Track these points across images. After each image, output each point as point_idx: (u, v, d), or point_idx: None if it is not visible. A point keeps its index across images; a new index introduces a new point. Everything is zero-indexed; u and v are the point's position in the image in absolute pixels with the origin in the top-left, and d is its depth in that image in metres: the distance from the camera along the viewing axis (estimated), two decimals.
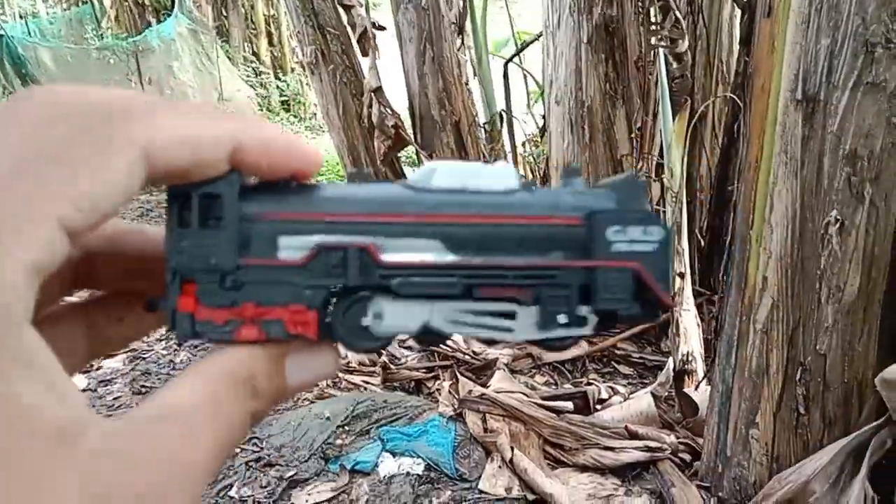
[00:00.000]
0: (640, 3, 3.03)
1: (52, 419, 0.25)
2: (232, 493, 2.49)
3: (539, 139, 6.18)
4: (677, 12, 2.67)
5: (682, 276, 2.81)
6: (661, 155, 3.21)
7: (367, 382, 3.25)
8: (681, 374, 2.82)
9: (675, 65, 2.81)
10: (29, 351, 0.25)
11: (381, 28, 5.74)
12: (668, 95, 2.92)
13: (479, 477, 2.47)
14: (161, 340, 3.67)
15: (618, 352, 3.70)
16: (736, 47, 4.37)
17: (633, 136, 3.25)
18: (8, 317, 0.24)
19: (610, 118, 3.50)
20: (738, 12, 4.37)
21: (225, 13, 11.45)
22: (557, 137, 3.71)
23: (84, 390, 3.47)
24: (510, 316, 0.36)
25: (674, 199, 2.80)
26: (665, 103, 2.94)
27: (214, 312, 0.31)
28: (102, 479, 0.25)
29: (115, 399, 3.26)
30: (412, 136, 5.49)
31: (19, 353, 0.24)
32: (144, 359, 3.52)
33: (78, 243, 0.27)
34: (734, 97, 2.91)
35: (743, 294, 2.14)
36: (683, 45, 2.72)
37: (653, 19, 3.00)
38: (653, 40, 2.81)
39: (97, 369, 3.57)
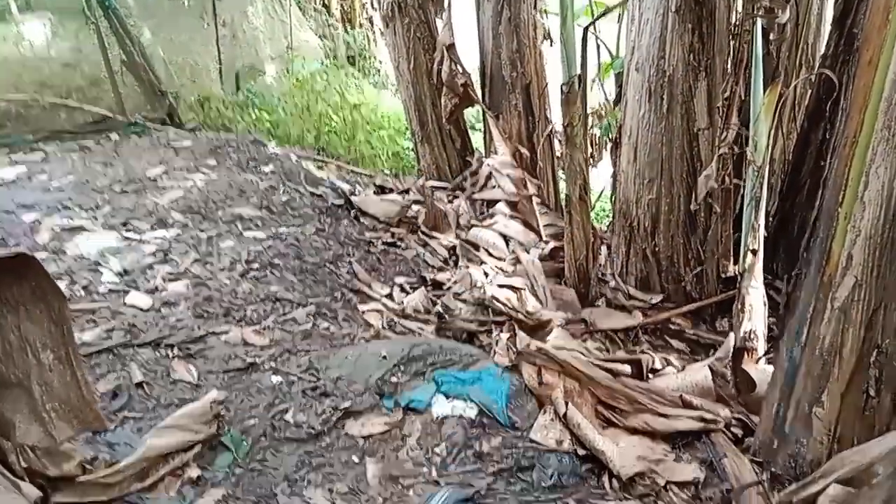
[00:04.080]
0: None
1: None
2: (287, 416, 2.56)
3: (604, 111, 6.09)
4: None
5: (754, 252, 2.76)
6: (741, 127, 3.14)
7: (422, 329, 3.30)
8: (741, 351, 2.80)
9: (772, 36, 2.73)
10: None
11: None
12: (761, 66, 2.84)
13: (531, 427, 2.50)
14: (223, 270, 3.77)
15: (672, 326, 3.67)
16: (825, 28, 4.24)
17: (720, 105, 3.17)
18: None
19: (691, 90, 3.42)
20: None
21: None
22: (634, 105, 3.65)
23: (147, 310, 3.59)
24: None
25: (756, 173, 2.74)
26: (758, 74, 2.86)
27: None
28: None
29: (177, 321, 3.35)
30: (479, 96, 5.46)
31: None
32: (207, 286, 3.61)
33: None
34: (829, 73, 2.81)
35: (823, 271, 2.10)
36: (784, 17, 2.64)
37: None
38: (752, 8, 2.73)
39: (161, 291, 3.69)
